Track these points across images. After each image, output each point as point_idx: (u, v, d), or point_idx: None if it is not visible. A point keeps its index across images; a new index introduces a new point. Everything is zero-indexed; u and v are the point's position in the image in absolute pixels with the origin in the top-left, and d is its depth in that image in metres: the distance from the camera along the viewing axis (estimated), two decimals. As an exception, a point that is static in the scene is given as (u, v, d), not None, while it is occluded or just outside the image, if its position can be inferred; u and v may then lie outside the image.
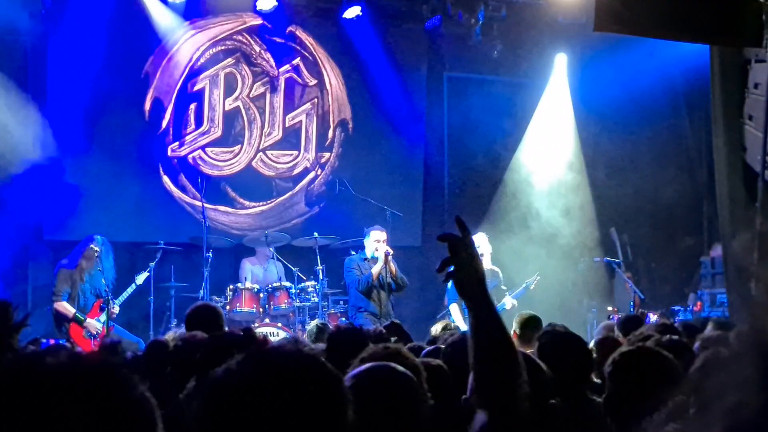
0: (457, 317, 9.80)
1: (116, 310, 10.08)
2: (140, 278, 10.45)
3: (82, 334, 9.80)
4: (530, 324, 6.83)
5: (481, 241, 9.99)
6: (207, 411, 1.45)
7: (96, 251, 10.01)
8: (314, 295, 10.74)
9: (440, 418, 3.29)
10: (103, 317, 9.79)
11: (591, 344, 5.58)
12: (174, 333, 6.70)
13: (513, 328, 6.97)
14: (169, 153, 12.32)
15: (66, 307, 9.87)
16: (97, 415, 1.20)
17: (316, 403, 1.46)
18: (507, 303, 10.08)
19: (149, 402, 1.29)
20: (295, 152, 12.99)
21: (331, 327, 7.37)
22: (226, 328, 6.80)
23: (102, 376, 1.25)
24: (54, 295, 9.94)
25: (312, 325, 8.01)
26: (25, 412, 1.17)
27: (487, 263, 9.96)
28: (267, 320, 10.47)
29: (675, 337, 4.41)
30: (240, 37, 12.66)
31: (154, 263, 10.65)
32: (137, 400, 1.27)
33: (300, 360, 1.52)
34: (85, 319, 9.84)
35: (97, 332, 9.77)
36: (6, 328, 3.38)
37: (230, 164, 12.67)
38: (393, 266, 9.92)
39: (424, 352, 4.67)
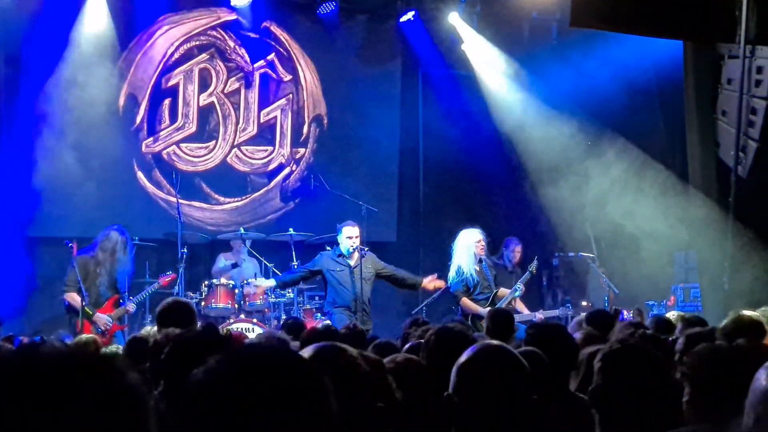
0: (471, 306, 9.93)
1: (131, 308, 9.87)
2: (165, 280, 10.24)
3: (90, 328, 9.39)
4: (500, 318, 6.96)
5: (479, 235, 10.11)
6: (190, 414, 1.44)
7: (113, 242, 9.79)
8: (289, 290, 10.73)
9: (413, 412, 3.28)
10: (115, 314, 9.63)
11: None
12: (150, 328, 6.67)
13: (485, 323, 7.08)
14: (144, 149, 12.25)
15: (74, 299, 9.55)
16: (93, 402, 1.24)
17: (302, 400, 1.46)
18: (519, 289, 10.23)
19: (142, 389, 1.32)
20: (270, 148, 12.95)
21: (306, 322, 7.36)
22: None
23: (97, 364, 1.29)
24: (65, 286, 9.70)
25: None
26: (24, 400, 1.21)
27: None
28: (242, 316, 10.44)
29: (649, 331, 4.48)
30: (214, 33, 12.61)
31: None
32: (131, 387, 1.29)
33: (281, 357, 1.51)
34: (94, 313, 9.52)
35: (106, 328, 9.51)
36: None
37: (205, 160, 12.62)
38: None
39: (406, 346, 4.63)
